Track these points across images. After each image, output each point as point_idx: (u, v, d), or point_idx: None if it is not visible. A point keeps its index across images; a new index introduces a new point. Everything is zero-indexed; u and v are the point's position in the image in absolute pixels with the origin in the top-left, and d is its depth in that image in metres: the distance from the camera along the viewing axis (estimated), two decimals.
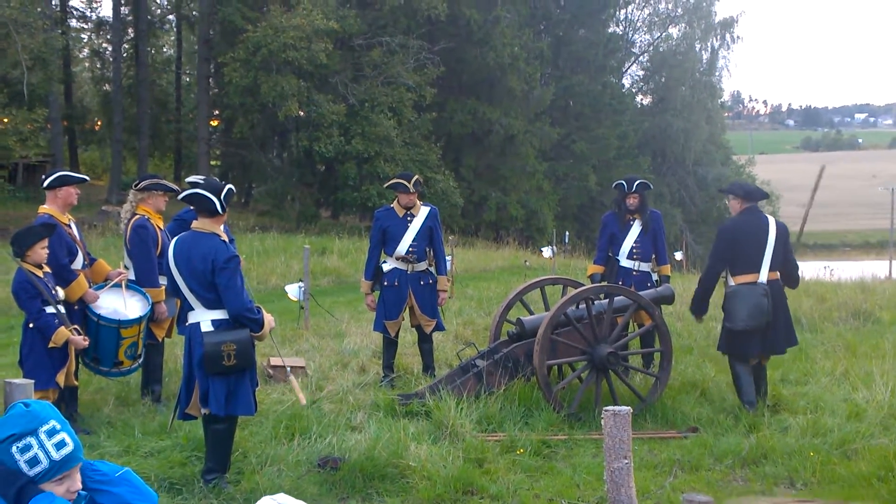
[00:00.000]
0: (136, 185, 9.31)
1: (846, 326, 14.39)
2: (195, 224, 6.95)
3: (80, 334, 8.06)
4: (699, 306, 9.67)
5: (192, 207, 7.38)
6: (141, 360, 8.90)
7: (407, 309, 10.57)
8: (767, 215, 9.43)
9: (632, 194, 10.97)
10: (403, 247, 10.35)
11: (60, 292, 8.04)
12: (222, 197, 6.86)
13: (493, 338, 10.38)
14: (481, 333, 13.09)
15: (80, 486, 3.56)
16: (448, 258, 18.18)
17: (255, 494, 6.32)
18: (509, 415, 8.79)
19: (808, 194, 10.50)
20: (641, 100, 60.27)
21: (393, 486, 7.12)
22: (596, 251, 11.63)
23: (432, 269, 10.58)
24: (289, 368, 9.39)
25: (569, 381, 9.42)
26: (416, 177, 10.53)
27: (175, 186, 9.58)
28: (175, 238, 7.07)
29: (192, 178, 10.05)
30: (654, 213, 11.24)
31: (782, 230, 9.27)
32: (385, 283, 10.50)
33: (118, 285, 8.81)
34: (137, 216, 9.10)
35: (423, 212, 10.52)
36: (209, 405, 6.83)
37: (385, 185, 10.89)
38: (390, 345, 10.64)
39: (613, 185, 11.61)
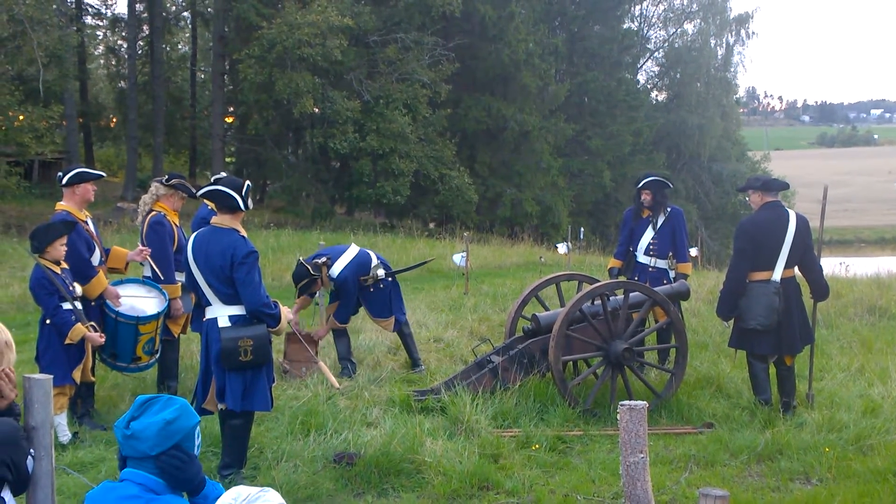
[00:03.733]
0: (166, 181, 9.35)
1: (862, 322, 14.34)
2: (215, 220, 6.99)
3: (96, 331, 8.10)
4: (726, 308, 9.25)
5: (210, 205, 7.43)
6: (157, 356, 8.95)
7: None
8: (788, 209, 9.17)
9: (643, 191, 10.97)
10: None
11: (78, 289, 8.08)
12: (243, 193, 6.91)
13: (508, 334, 10.40)
14: (496, 329, 13.10)
15: None
16: (463, 254, 18.35)
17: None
18: (524, 410, 8.80)
19: (824, 191, 10.33)
20: (656, 96, 60.15)
21: (408, 481, 7.14)
22: (616, 245, 11.68)
23: (382, 276, 10.84)
24: (317, 357, 9.49)
25: (584, 376, 9.41)
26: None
27: (194, 192, 9.65)
28: (194, 233, 7.11)
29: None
30: (675, 210, 11.14)
31: (802, 224, 9.01)
32: None
33: (136, 280, 8.91)
34: (154, 213, 9.15)
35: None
36: (226, 401, 6.87)
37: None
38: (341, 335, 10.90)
39: None
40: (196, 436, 3.68)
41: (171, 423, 3.54)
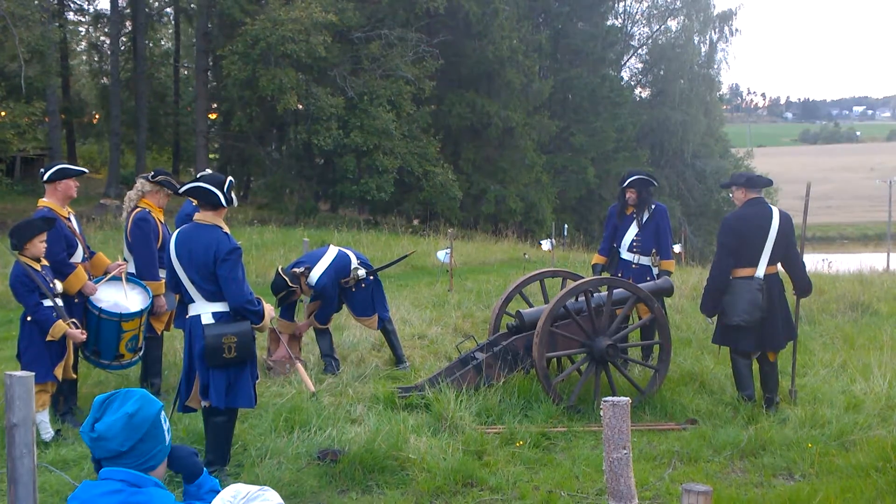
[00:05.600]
0: (152, 177, 9.33)
1: (844, 318, 14.40)
2: (197, 216, 6.97)
3: (77, 328, 8.06)
4: (710, 304, 9.25)
5: (194, 201, 7.41)
6: (141, 354, 8.91)
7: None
8: (772, 206, 9.19)
9: (628, 189, 10.98)
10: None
11: (59, 285, 8.03)
12: (225, 189, 6.89)
13: (492, 330, 10.40)
14: (480, 326, 13.12)
15: None
16: (447, 251, 18.36)
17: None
18: (509, 407, 8.80)
19: (806, 187, 10.35)
20: (640, 92, 60.33)
21: (392, 478, 7.13)
22: (601, 241, 11.69)
23: (363, 275, 10.85)
24: (299, 355, 9.44)
25: (568, 373, 9.42)
26: None
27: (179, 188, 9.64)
28: (177, 230, 7.08)
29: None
30: (660, 207, 11.14)
31: (785, 221, 9.01)
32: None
33: (117, 278, 8.82)
34: (139, 209, 9.12)
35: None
36: (209, 398, 6.84)
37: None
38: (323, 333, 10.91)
39: None
40: (163, 420, 3.66)
41: (133, 415, 3.53)
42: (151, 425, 3.58)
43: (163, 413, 3.66)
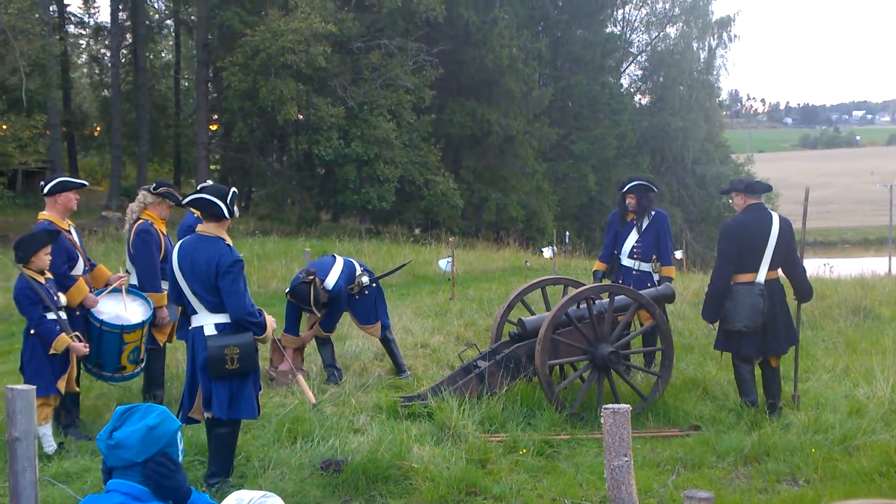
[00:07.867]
0: (154, 189, 9.34)
1: (846, 323, 14.39)
2: (200, 228, 6.98)
3: (80, 341, 8.06)
4: (712, 310, 9.24)
5: (196, 213, 7.42)
6: (143, 365, 8.91)
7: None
8: (772, 211, 9.19)
9: (628, 195, 10.98)
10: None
11: (62, 298, 8.04)
12: (228, 201, 6.90)
13: (494, 338, 10.39)
14: (483, 334, 13.10)
15: None
16: (448, 260, 18.38)
17: None
18: (511, 415, 8.79)
19: (805, 192, 10.43)
20: (640, 99, 60.36)
21: (396, 487, 7.12)
22: (602, 248, 11.70)
23: (367, 282, 10.94)
24: (302, 365, 9.43)
25: (571, 380, 9.41)
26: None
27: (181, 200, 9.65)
28: (179, 242, 7.09)
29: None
30: (660, 213, 11.15)
31: (785, 226, 9.01)
32: None
33: (118, 290, 8.82)
34: (141, 220, 9.13)
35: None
36: (212, 409, 6.84)
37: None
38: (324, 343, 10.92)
39: None
40: (178, 441, 3.69)
41: (153, 428, 3.55)
42: (169, 441, 3.60)
43: (179, 433, 3.69)
